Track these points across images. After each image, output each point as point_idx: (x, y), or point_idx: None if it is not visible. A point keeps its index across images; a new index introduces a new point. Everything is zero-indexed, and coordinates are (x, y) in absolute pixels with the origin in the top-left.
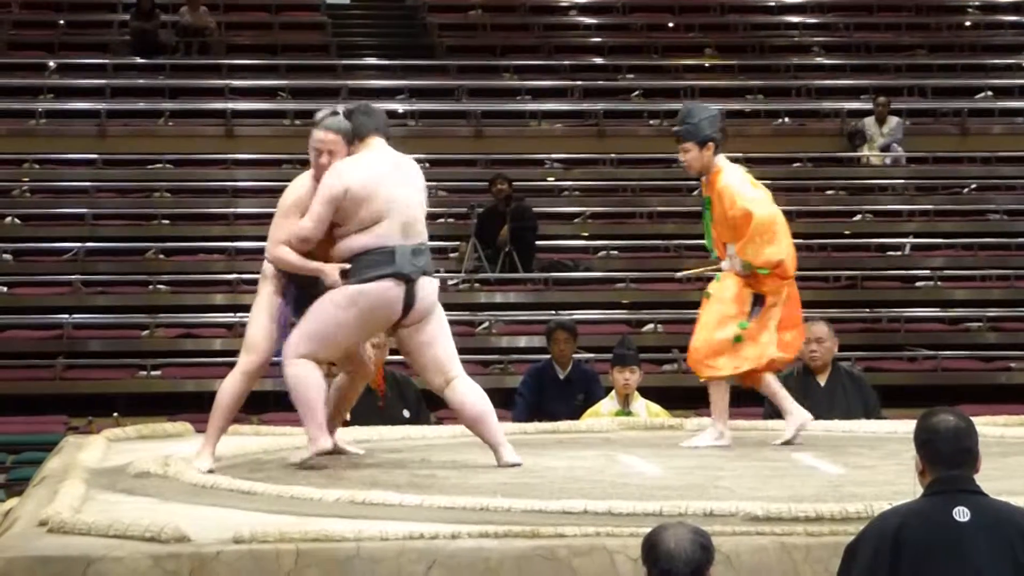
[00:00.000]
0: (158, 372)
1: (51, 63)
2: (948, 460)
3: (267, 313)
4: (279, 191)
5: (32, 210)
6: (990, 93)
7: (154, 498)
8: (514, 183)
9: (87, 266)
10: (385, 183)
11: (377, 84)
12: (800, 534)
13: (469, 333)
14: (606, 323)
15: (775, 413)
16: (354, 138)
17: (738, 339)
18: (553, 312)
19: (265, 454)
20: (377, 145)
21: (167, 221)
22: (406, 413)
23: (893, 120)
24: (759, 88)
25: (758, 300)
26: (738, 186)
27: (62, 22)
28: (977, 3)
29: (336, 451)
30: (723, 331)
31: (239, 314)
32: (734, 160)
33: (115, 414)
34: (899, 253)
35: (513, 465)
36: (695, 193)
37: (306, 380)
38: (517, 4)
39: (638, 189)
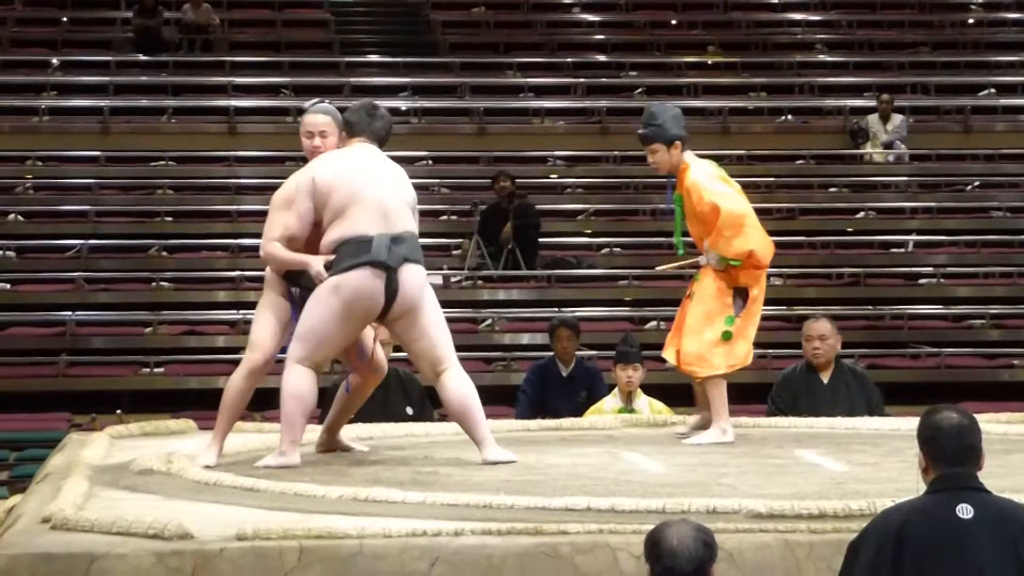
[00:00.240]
0: (161, 369)
1: (54, 60)
2: (951, 457)
3: (272, 310)
4: None
5: (35, 207)
6: (993, 90)
7: (157, 495)
8: (517, 180)
9: (90, 263)
10: (351, 173)
11: (380, 81)
12: (803, 531)
13: (472, 330)
14: (609, 320)
15: (777, 411)
16: (345, 130)
17: (727, 335)
18: (556, 309)
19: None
20: (358, 145)
21: (170, 218)
22: (409, 410)
23: (897, 118)
24: (762, 85)
25: (739, 294)
26: (705, 181)
27: (65, 19)
28: (980, 0)
29: (342, 448)
30: (711, 329)
31: (242, 311)
32: (738, 158)
33: (118, 411)
34: (902, 250)
35: (495, 463)
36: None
37: (291, 391)
38: (520, 1)
39: (641, 186)
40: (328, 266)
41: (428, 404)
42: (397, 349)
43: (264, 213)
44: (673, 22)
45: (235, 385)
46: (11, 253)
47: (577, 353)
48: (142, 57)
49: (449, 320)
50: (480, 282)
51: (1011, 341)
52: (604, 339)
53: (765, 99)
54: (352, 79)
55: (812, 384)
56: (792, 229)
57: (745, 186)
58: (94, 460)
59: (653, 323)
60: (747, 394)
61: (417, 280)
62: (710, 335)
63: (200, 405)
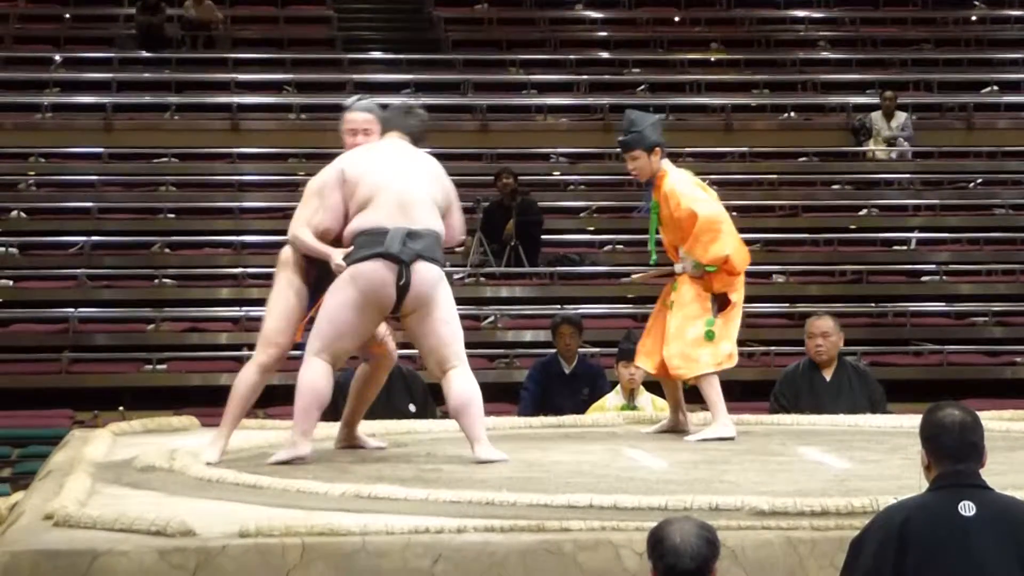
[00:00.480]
0: (164, 366)
1: (57, 57)
2: (954, 454)
3: (282, 305)
4: (285, 185)
5: (38, 204)
6: (996, 88)
7: (160, 492)
8: (520, 177)
9: (93, 260)
10: (378, 166)
11: (383, 78)
12: (806, 528)
13: (474, 327)
14: (611, 317)
15: (779, 408)
16: (380, 126)
17: (710, 335)
18: (558, 306)
19: (271, 448)
20: (389, 139)
21: (173, 215)
22: (412, 407)
23: (901, 115)
24: (765, 82)
25: (716, 300)
26: (683, 187)
27: (68, 16)
28: None
29: (359, 444)
30: (693, 331)
31: (245, 308)
32: (741, 155)
33: (121, 408)
34: (905, 247)
35: (486, 461)
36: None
37: (306, 384)
38: None
39: (643, 184)
40: (346, 257)
41: (431, 401)
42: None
43: (266, 210)
44: (676, 19)
45: (245, 381)
46: (14, 250)
47: (580, 350)
48: (145, 54)
49: None
50: (483, 279)
51: (1014, 338)
52: (607, 336)
53: (768, 96)
54: (355, 76)
55: (815, 381)
56: (795, 226)
57: (748, 183)
58: (97, 457)
59: None
60: (750, 391)
61: (429, 277)
62: (692, 336)
63: (203, 402)
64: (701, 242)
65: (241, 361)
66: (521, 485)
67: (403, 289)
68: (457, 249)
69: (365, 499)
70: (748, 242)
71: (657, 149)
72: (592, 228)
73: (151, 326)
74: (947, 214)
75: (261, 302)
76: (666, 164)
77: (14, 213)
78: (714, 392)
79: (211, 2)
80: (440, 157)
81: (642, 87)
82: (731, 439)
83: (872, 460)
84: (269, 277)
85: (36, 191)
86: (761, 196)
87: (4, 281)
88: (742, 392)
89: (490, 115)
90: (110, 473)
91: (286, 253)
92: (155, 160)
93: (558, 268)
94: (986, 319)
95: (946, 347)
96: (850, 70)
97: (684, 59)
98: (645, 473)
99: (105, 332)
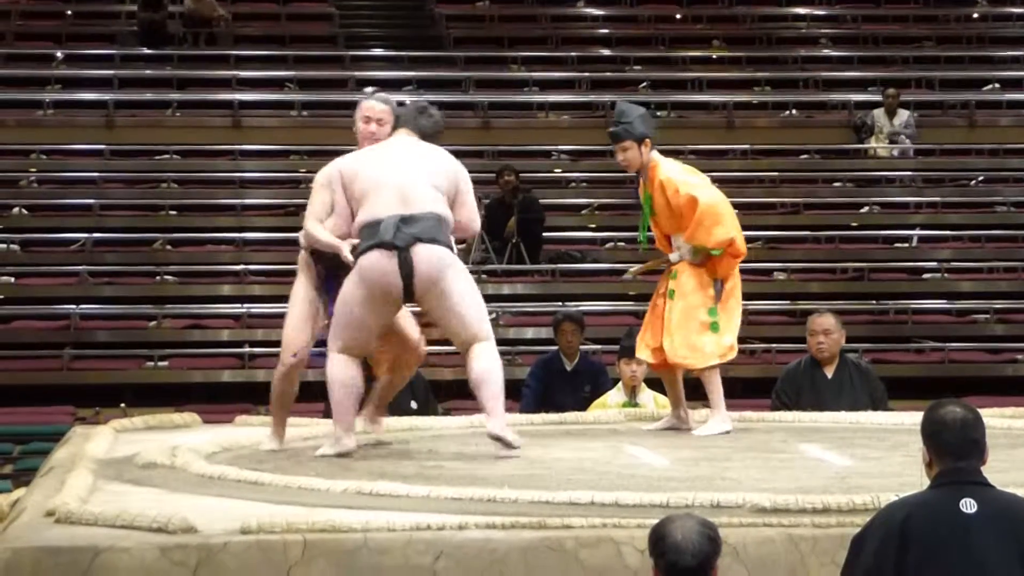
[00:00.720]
0: (165, 363)
1: (58, 54)
2: (955, 452)
3: (300, 305)
4: (287, 182)
5: (39, 200)
6: (998, 85)
7: (161, 489)
8: (521, 174)
9: (94, 257)
10: (373, 160)
11: (384, 75)
12: (807, 526)
13: None
14: (613, 315)
15: (781, 405)
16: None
17: (715, 327)
18: (560, 304)
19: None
20: (396, 136)
21: (174, 212)
22: (413, 404)
23: (904, 113)
24: (766, 80)
25: (714, 285)
26: (678, 175)
27: (69, 13)
28: None
29: (374, 421)
30: (698, 322)
31: (247, 305)
32: (742, 153)
33: (122, 405)
34: (906, 245)
35: (496, 438)
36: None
37: (335, 380)
38: None
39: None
40: (353, 250)
41: (432, 398)
42: None
43: (268, 207)
44: (677, 16)
45: (276, 388)
46: (15, 247)
47: (581, 347)
48: (146, 51)
49: None
50: (484, 276)
51: (1015, 336)
52: (608, 333)
53: (769, 93)
54: (357, 73)
55: (816, 379)
56: (796, 224)
57: (749, 181)
58: (98, 454)
59: None
60: (751, 388)
61: (432, 258)
62: (697, 326)
63: (204, 399)
64: (704, 227)
65: (242, 358)
66: (523, 482)
67: (408, 275)
68: (459, 246)
69: (367, 496)
70: (749, 239)
71: (647, 140)
72: (593, 225)
73: (153, 323)
74: (948, 211)
75: (263, 299)
76: (656, 155)
77: (16, 210)
78: (716, 385)
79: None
80: None
81: (644, 84)
82: (728, 432)
83: (873, 457)
84: (271, 274)
85: (37, 188)
86: (762, 193)
87: (6, 278)
88: (743, 389)
89: (492, 112)
90: (112, 470)
91: (302, 254)
92: (157, 157)
93: (560, 265)
94: (987, 316)
95: (947, 344)
96: (851, 67)
97: (686, 56)
98: (646, 470)
99: (107, 329)
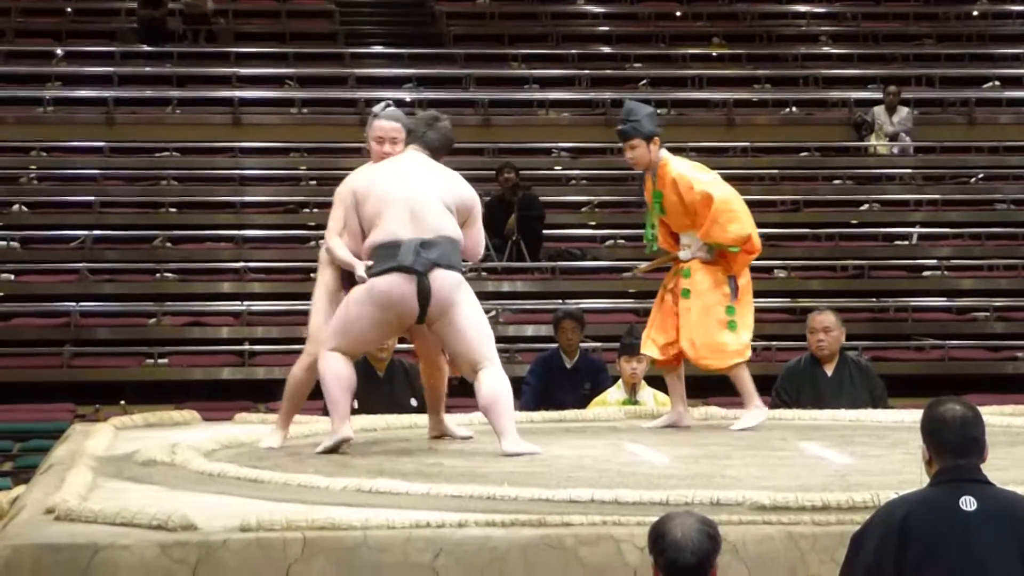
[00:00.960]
0: (165, 360)
1: (59, 51)
2: (955, 450)
3: (324, 300)
4: (286, 179)
5: (39, 198)
6: (997, 83)
7: (161, 486)
8: (521, 172)
9: (94, 254)
10: (384, 179)
11: (384, 72)
12: (807, 523)
13: None
14: (613, 312)
15: (781, 403)
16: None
17: (732, 325)
18: (560, 301)
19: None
20: (407, 153)
21: (174, 209)
22: (413, 402)
23: (903, 110)
24: (767, 77)
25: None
26: (691, 172)
27: (69, 10)
28: None
29: (447, 434)
30: (717, 321)
31: (246, 302)
32: (742, 150)
33: (122, 402)
34: (906, 243)
35: (512, 455)
36: None
37: (327, 374)
38: None
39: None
40: (368, 269)
41: None
42: (401, 340)
43: (267, 204)
44: (677, 13)
45: (295, 377)
46: (15, 244)
47: (581, 345)
48: (146, 48)
49: None
50: (484, 274)
51: (1015, 333)
52: (608, 331)
53: (769, 91)
54: (357, 70)
55: (816, 376)
56: (796, 221)
57: (749, 178)
58: (98, 451)
59: None
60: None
61: (447, 284)
62: (716, 325)
63: (204, 396)
64: (719, 223)
65: (242, 355)
66: (522, 480)
67: (424, 300)
68: None
69: (366, 493)
70: None
71: (655, 139)
72: (594, 223)
73: (152, 320)
74: (948, 209)
75: (263, 296)
76: (665, 153)
77: (16, 207)
78: (745, 378)
79: None
80: None
81: (644, 82)
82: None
83: (873, 455)
84: (271, 271)
85: (38, 185)
86: (762, 191)
87: (5, 275)
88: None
89: (492, 110)
90: (111, 467)
91: (323, 253)
92: (157, 154)
93: (560, 263)
94: (987, 314)
95: (947, 342)
96: (851, 65)
97: (686, 54)
98: (646, 468)
99: (106, 326)
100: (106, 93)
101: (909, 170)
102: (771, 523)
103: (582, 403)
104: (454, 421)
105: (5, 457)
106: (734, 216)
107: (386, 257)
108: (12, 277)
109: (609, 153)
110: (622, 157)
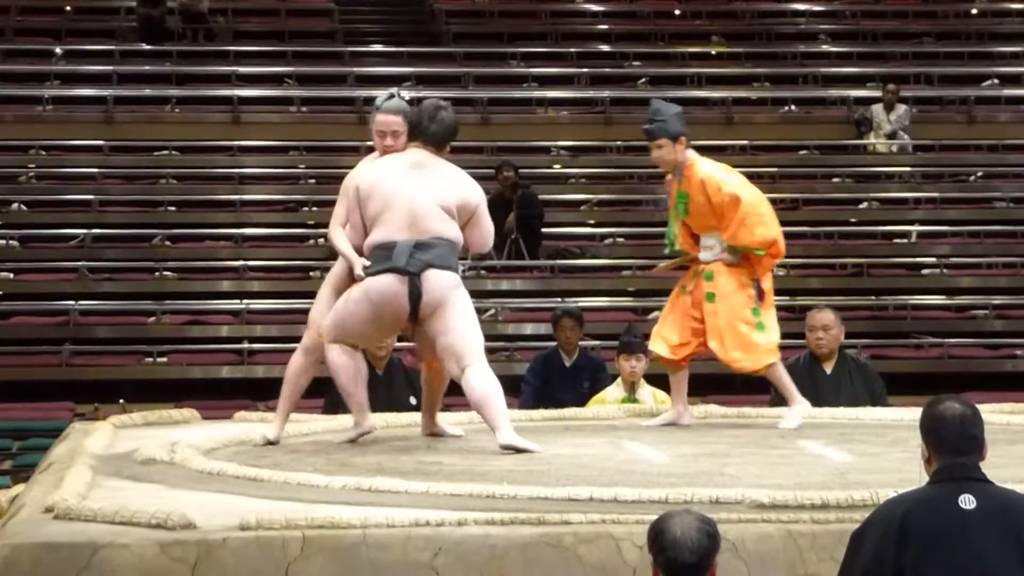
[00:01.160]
0: (164, 359)
1: (58, 49)
2: (954, 448)
3: (328, 289)
4: (286, 178)
5: (38, 196)
6: (997, 81)
7: (160, 485)
8: (520, 170)
9: (93, 252)
10: (386, 179)
11: (384, 71)
12: (806, 522)
13: None
14: (612, 310)
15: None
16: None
17: (761, 326)
18: (559, 299)
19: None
20: (410, 150)
21: (173, 208)
22: (413, 400)
23: (900, 107)
24: (765, 76)
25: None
26: (720, 173)
27: (69, 8)
28: None
29: (436, 433)
30: (743, 322)
31: (246, 301)
32: (741, 149)
33: (121, 400)
34: (905, 241)
35: (508, 447)
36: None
37: (336, 368)
38: None
39: (645, 176)
40: (366, 268)
41: None
42: (401, 339)
43: (267, 203)
44: (677, 12)
45: (293, 362)
46: (14, 242)
47: (580, 343)
48: (146, 46)
49: None
50: (483, 272)
51: (1014, 331)
52: (607, 329)
53: (769, 89)
54: (356, 69)
55: (815, 374)
56: (795, 219)
57: (749, 176)
58: (97, 449)
59: (656, 313)
60: (750, 384)
61: (440, 284)
62: (745, 327)
63: (203, 394)
64: (746, 226)
65: (241, 354)
66: (521, 478)
67: (416, 298)
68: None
69: (366, 492)
70: None
71: (682, 139)
72: (593, 221)
73: (152, 319)
74: (947, 207)
75: (262, 295)
76: (692, 153)
77: (15, 205)
78: (781, 376)
79: None
80: None
81: (643, 80)
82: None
83: (872, 453)
84: (270, 270)
85: (37, 183)
86: (761, 189)
87: (5, 274)
88: (743, 385)
89: (491, 108)
90: (111, 466)
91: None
92: (156, 153)
93: (559, 261)
94: (986, 312)
95: (946, 340)
96: (850, 63)
97: (685, 52)
98: (645, 466)
99: (106, 325)
100: (105, 92)
101: (908, 168)
102: (770, 521)
103: (581, 401)
104: (448, 420)
105: (4, 455)
106: (761, 219)
107: (382, 258)
108: (11, 276)
109: (608, 152)
110: (621, 155)
